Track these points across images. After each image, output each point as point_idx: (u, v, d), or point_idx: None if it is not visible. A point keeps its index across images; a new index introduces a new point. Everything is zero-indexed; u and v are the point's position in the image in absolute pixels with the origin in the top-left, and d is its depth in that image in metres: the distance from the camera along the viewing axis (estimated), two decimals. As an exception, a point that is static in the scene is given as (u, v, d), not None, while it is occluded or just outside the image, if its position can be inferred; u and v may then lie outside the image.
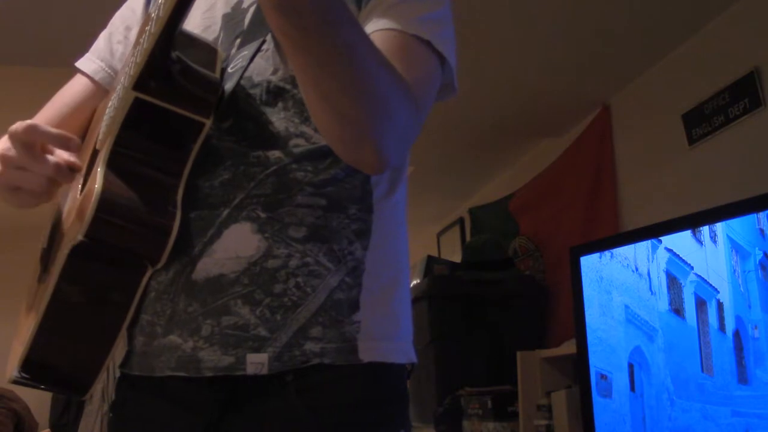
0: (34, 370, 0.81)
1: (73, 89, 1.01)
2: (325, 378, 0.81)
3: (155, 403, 0.85)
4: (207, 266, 0.81)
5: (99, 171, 0.76)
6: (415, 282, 3.72)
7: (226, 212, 0.82)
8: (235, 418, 0.81)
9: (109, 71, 1.00)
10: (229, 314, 0.80)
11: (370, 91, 0.72)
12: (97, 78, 1.00)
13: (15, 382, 0.82)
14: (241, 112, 0.84)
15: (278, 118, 0.84)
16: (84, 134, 1.00)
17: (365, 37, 0.72)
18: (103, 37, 1.04)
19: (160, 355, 0.82)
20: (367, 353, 0.82)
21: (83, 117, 1.00)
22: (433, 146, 3.48)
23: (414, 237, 5.84)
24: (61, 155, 0.80)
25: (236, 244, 0.81)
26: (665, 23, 2.33)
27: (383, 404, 0.85)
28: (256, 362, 0.79)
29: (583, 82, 2.77)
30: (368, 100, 0.72)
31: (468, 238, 4.20)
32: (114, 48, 1.01)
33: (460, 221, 4.43)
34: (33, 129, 0.78)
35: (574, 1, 2.21)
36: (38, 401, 3.86)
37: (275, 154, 0.83)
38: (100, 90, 1.00)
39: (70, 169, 0.81)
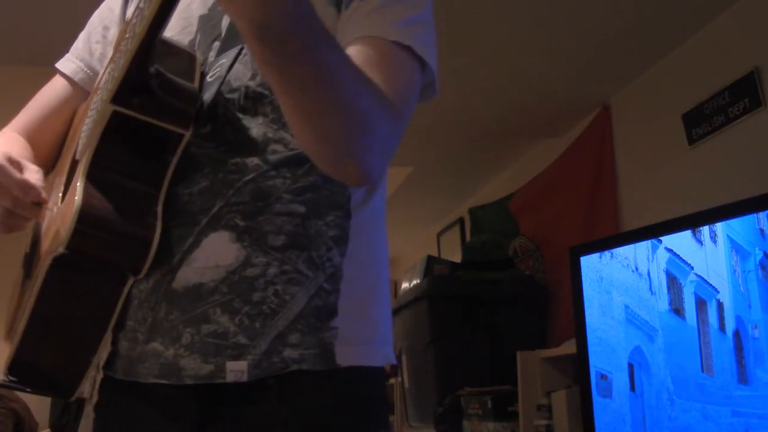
0: (20, 373, 0.82)
1: (53, 90, 1.02)
2: (305, 383, 0.82)
3: (138, 407, 0.86)
4: (187, 275, 0.82)
5: (78, 184, 0.77)
6: (415, 282, 3.72)
7: (204, 221, 0.82)
8: (219, 423, 0.83)
9: (88, 72, 1.00)
10: (208, 322, 0.81)
11: (350, 111, 0.72)
12: (76, 79, 1.00)
13: (2, 385, 0.83)
14: (219, 118, 0.85)
15: (256, 124, 0.85)
16: (65, 136, 1.00)
17: (344, 56, 0.73)
18: (81, 37, 1.04)
19: (144, 361, 0.83)
20: (344, 358, 0.84)
21: (63, 118, 1.00)
22: (433, 146, 3.48)
23: (414, 237, 5.85)
24: (29, 185, 0.83)
25: (215, 253, 0.82)
26: (665, 23, 2.33)
27: (362, 405, 0.87)
28: (236, 370, 0.80)
29: (583, 82, 2.77)
30: (349, 119, 0.73)
31: (468, 238, 4.20)
32: (93, 48, 1.01)
33: (460, 221, 4.43)
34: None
35: (574, 2, 2.21)
36: (38, 401, 3.86)
37: (253, 161, 0.83)
38: (79, 91, 1.00)
39: (35, 204, 0.83)
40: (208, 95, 0.85)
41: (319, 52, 0.68)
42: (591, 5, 2.23)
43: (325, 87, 0.69)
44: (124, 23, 0.88)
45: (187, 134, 0.81)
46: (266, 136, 0.84)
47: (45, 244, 0.85)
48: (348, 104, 0.72)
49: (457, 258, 3.78)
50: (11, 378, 0.81)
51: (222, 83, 0.85)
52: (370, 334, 0.88)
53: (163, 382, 0.81)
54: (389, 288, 0.95)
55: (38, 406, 3.87)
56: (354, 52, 0.81)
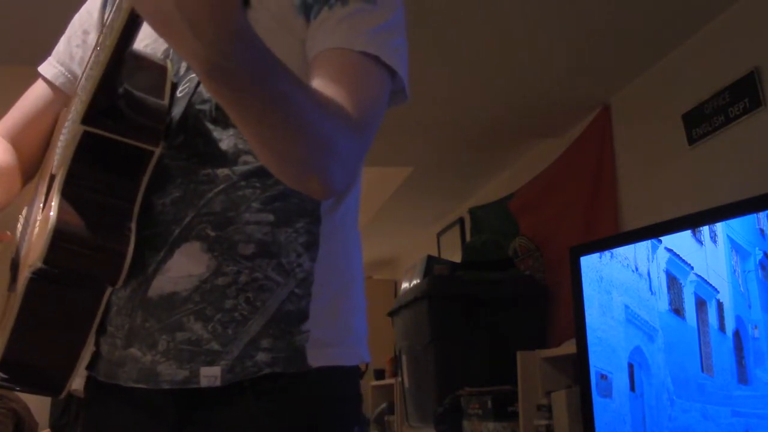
0: (9, 371, 0.85)
1: (35, 94, 1.03)
2: (279, 384, 0.84)
3: (120, 407, 0.88)
4: (161, 284, 0.84)
5: (53, 202, 0.80)
6: (415, 282, 3.72)
7: (177, 231, 0.84)
8: (196, 426, 0.85)
9: (69, 76, 1.01)
10: (182, 330, 0.83)
11: (309, 134, 0.73)
12: (57, 83, 1.01)
13: None
14: (191, 129, 0.86)
15: (227, 135, 0.86)
16: (49, 138, 1.02)
17: (298, 83, 0.73)
18: (62, 41, 1.05)
19: (123, 365, 0.86)
20: (316, 360, 0.86)
21: (46, 121, 1.01)
22: (432, 146, 3.48)
23: (414, 237, 5.83)
24: None
25: (187, 263, 0.84)
26: (665, 23, 2.33)
27: (336, 404, 0.89)
28: (210, 375, 0.83)
29: (583, 82, 2.77)
30: (308, 142, 0.74)
31: (468, 238, 4.20)
32: (73, 52, 1.02)
33: (460, 221, 4.43)
34: None
35: (574, 1, 2.21)
36: (38, 401, 3.85)
37: (224, 171, 0.85)
38: (60, 95, 1.01)
39: None
40: (177, 110, 0.86)
41: (271, 83, 0.68)
42: (591, 5, 2.23)
43: (280, 115, 0.70)
44: (95, 41, 0.90)
45: (158, 150, 0.83)
46: (237, 147, 0.86)
47: (27, 254, 0.88)
48: (306, 128, 0.73)
49: (457, 258, 3.78)
50: (2, 375, 0.84)
51: (193, 95, 0.87)
52: (342, 336, 0.90)
53: (141, 386, 0.84)
54: (363, 288, 0.97)
55: (38, 406, 3.86)
56: (321, 64, 0.82)
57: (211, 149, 0.86)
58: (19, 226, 0.99)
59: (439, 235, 4.81)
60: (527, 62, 2.61)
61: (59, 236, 0.78)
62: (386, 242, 5.37)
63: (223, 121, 0.86)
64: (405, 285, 4.23)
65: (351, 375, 0.91)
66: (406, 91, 0.90)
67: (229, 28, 0.62)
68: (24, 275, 0.81)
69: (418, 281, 3.56)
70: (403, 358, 3.49)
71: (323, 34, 0.84)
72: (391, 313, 3.65)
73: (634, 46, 2.49)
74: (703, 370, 1.82)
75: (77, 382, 0.88)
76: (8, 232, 0.91)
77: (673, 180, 2.52)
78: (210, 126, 0.86)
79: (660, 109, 2.59)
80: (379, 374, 4.83)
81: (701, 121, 2.35)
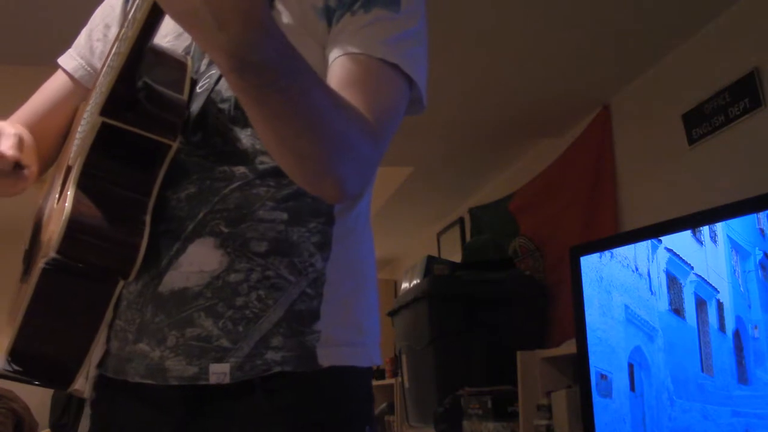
0: (19, 361, 0.85)
1: (54, 85, 1.03)
2: (289, 382, 0.84)
3: (128, 403, 0.88)
4: (173, 279, 0.84)
5: (69, 192, 0.80)
6: (415, 282, 3.72)
7: (191, 227, 0.84)
8: (206, 419, 0.85)
9: (89, 69, 1.01)
10: (192, 326, 0.83)
11: (327, 134, 0.73)
12: (77, 76, 1.01)
13: (4, 375, 0.86)
14: (209, 127, 0.86)
15: (246, 135, 0.86)
16: (67, 130, 1.01)
17: (319, 82, 0.73)
18: (83, 33, 1.05)
19: (131, 360, 0.86)
20: (326, 359, 0.86)
21: (65, 113, 1.01)
22: (433, 146, 3.48)
23: (414, 237, 5.83)
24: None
25: (200, 259, 0.84)
26: (665, 23, 2.34)
27: (347, 404, 0.89)
28: (219, 372, 0.82)
29: (583, 82, 2.77)
30: (326, 142, 0.74)
31: (468, 238, 4.20)
32: (94, 45, 1.02)
33: (460, 221, 4.43)
34: None
35: (574, 1, 2.21)
36: (38, 401, 3.85)
37: (240, 169, 0.85)
38: (80, 88, 1.01)
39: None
40: (196, 106, 0.86)
41: (294, 79, 0.69)
42: (591, 5, 2.23)
43: (302, 114, 0.70)
44: (117, 33, 0.90)
45: (175, 145, 0.83)
46: (254, 147, 0.86)
47: (41, 246, 0.88)
48: (325, 128, 0.73)
49: (457, 258, 3.78)
50: (14, 367, 0.84)
51: (211, 92, 0.87)
52: (353, 336, 0.90)
53: (148, 382, 0.84)
54: (376, 289, 0.96)
55: (38, 406, 3.86)
56: (340, 69, 0.82)
57: (229, 147, 0.86)
58: (33, 224, 0.99)
59: (439, 235, 4.81)
60: (527, 62, 2.61)
61: (74, 227, 0.78)
62: (386, 242, 5.37)
63: (241, 121, 0.86)
64: (405, 285, 4.23)
65: (362, 375, 0.91)
66: (423, 101, 0.90)
67: (255, 22, 0.63)
68: (37, 265, 0.81)
69: (418, 281, 3.56)
70: (403, 358, 3.49)
71: (344, 39, 0.84)
72: (391, 313, 3.65)
73: (634, 46, 2.49)
74: (703, 370, 1.82)
75: (80, 383, 0.88)
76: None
77: (673, 180, 2.52)
78: (229, 125, 0.86)
79: (660, 109, 2.59)
80: (379, 374, 4.83)
81: (701, 121, 2.35)
